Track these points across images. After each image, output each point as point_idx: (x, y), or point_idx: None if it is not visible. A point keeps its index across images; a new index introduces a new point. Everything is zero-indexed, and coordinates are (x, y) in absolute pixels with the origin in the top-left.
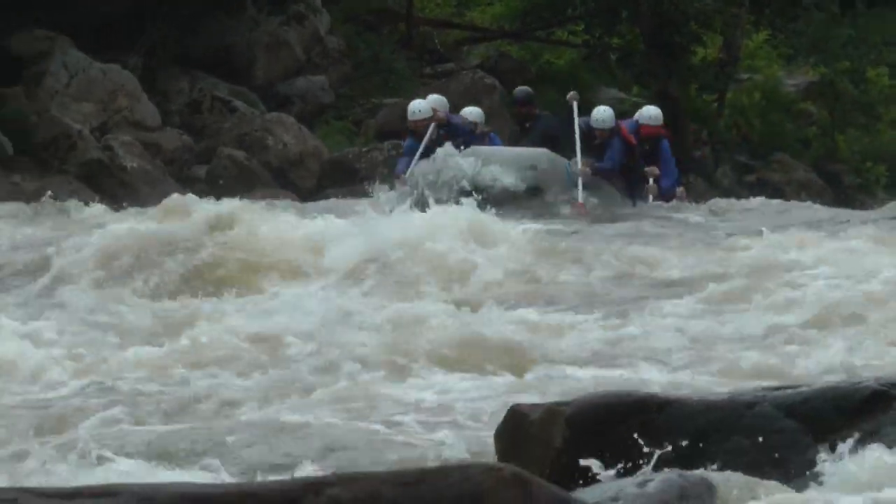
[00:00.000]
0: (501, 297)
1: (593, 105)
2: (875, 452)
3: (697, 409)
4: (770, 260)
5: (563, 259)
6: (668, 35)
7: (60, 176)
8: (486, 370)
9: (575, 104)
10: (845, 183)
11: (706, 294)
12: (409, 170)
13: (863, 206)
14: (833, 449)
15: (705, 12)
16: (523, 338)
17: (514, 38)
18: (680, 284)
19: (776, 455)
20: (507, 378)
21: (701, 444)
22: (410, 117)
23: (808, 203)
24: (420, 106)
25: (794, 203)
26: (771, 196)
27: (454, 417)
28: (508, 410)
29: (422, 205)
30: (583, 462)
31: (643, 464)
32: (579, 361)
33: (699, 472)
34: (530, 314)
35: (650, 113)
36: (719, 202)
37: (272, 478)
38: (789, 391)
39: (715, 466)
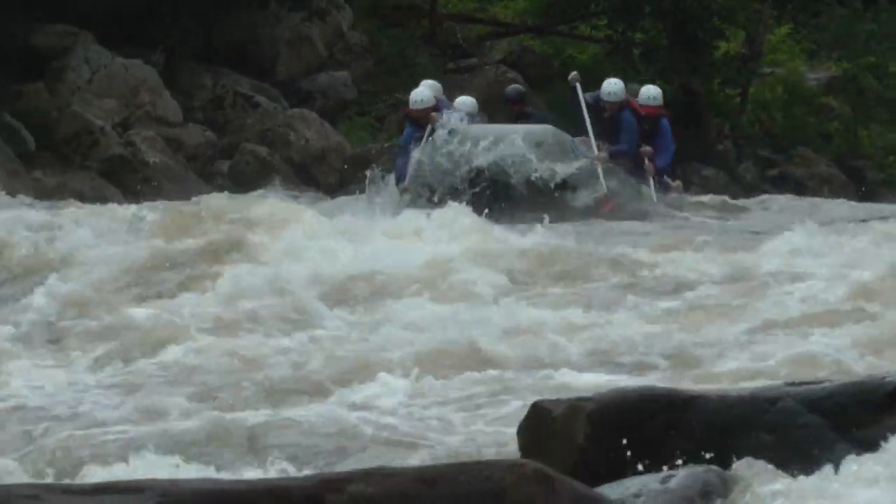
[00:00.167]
0: (520, 296)
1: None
2: None
3: (720, 405)
4: (790, 259)
5: (580, 259)
6: (691, 30)
7: (82, 172)
8: (507, 367)
9: (578, 85)
10: (868, 178)
11: (724, 293)
12: (409, 175)
13: (886, 201)
14: (857, 444)
15: (728, 7)
16: (543, 336)
17: (536, 33)
18: (698, 284)
19: (799, 450)
20: (528, 375)
21: (724, 440)
22: (413, 106)
23: (842, 200)
24: (423, 95)
25: (819, 200)
26: (793, 190)
27: (476, 414)
28: (531, 407)
29: (429, 195)
30: (605, 458)
31: (666, 459)
32: (599, 359)
33: (722, 467)
34: (550, 313)
35: (651, 93)
36: (735, 201)
37: (294, 474)
38: (813, 386)
39: (738, 462)
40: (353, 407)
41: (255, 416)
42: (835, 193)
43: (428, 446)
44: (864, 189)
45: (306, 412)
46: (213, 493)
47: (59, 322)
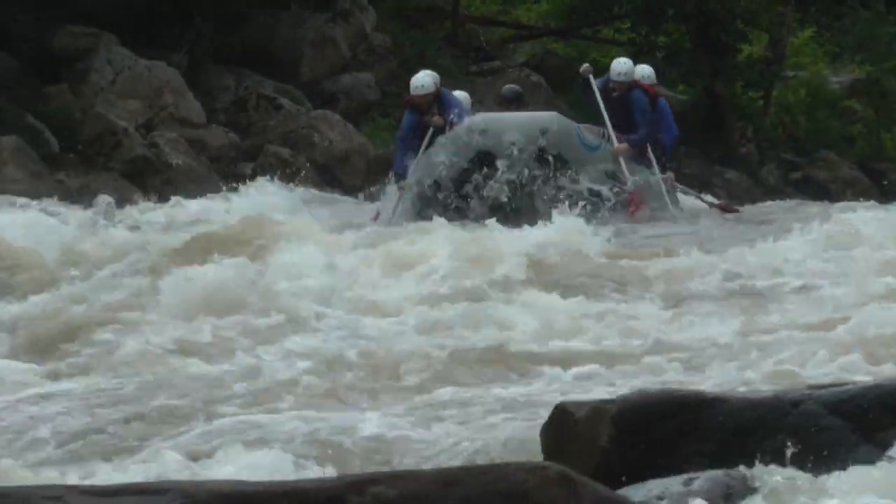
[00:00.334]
0: (539, 297)
1: None
2: None
3: (743, 408)
4: (811, 261)
5: (598, 260)
6: (714, 33)
7: (105, 173)
8: (528, 369)
9: (591, 77)
10: (891, 181)
11: (744, 294)
12: (411, 173)
13: None
14: (879, 447)
15: (751, 10)
16: (564, 337)
17: (560, 36)
18: (719, 286)
19: (822, 453)
20: (549, 377)
21: (746, 443)
22: (414, 92)
23: (872, 202)
24: (423, 81)
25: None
26: (816, 194)
27: (498, 415)
28: (554, 409)
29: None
30: (628, 460)
31: (688, 462)
32: (622, 360)
33: (744, 470)
34: (570, 314)
35: (645, 72)
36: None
37: (315, 476)
38: (835, 389)
39: (760, 464)
40: (375, 409)
41: (275, 419)
42: (857, 196)
43: (449, 448)
44: (885, 186)
45: (327, 415)
46: (234, 495)
47: (81, 324)
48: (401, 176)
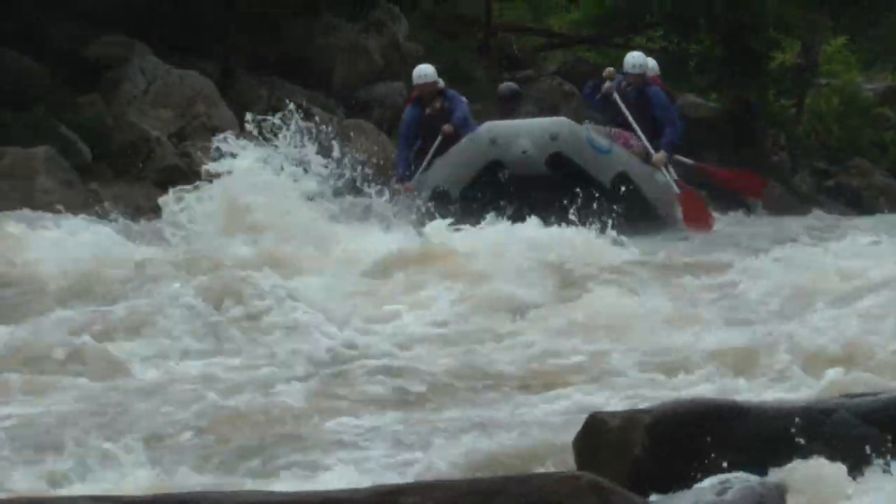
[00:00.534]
0: (570, 305)
1: None
2: None
3: (776, 416)
4: (848, 266)
5: (632, 265)
6: (746, 41)
7: (138, 182)
8: (560, 380)
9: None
10: None
11: (774, 301)
12: (417, 176)
13: None
14: None
15: (782, 17)
16: (597, 345)
17: (591, 44)
18: (750, 291)
19: (855, 462)
20: (583, 387)
21: (779, 452)
22: (417, 81)
23: None
24: (427, 70)
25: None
26: (848, 201)
27: (532, 425)
28: (587, 418)
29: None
30: (660, 469)
31: (721, 470)
32: (653, 370)
33: (777, 479)
34: (599, 324)
35: (650, 64)
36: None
37: (347, 484)
38: (868, 398)
39: (793, 474)
40: (407, 420)
41: (307, 428)
42: (891, 204)
43: (482, 458)
44: None
45: (359, 424)
46: None
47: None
48: (405, 176)
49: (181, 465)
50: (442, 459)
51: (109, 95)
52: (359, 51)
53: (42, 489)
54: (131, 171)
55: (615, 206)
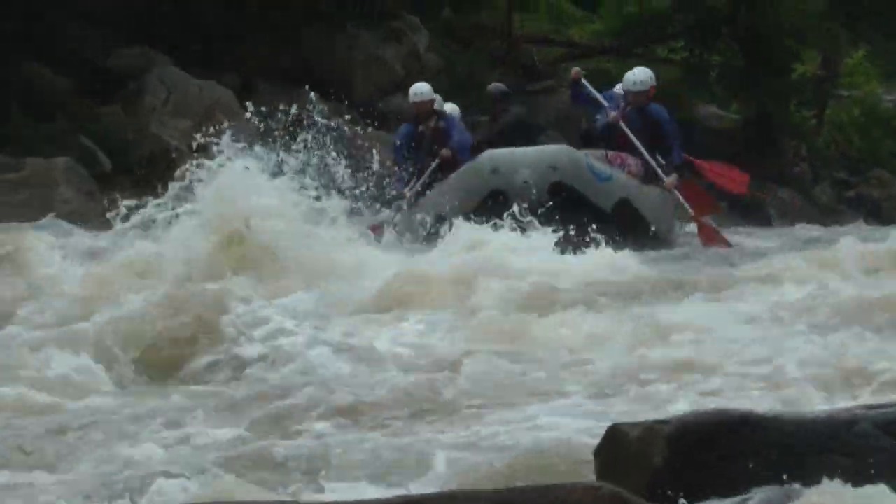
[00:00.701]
0: (591, 316)
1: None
2: None
3: (796, 428)
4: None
5: (649, 280)
6: (766, 52)
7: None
8: (579, 390)
9: (586, 83)
10: None
11: (795, 311)
12: (411, 194)
13: None
14: None
15: (799, 27)
16: (617, 355)
17: (612, 55)
18: (770, 302)
19: (877, 474)
20: (604, 398)
21: (800, 463)
22: (413, 99)
23: None
24: (422, 88)
25: None
26: (869, 212)
27: (552, 436)
28: (608, 429)
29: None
30: (681, 480)
31: (742, 482)
32: (673, 380)
33: (798, 490)
34: (618, 334)
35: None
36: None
37: (369, 495)
38: (890, 409)
39: (814, 486)
40: (429, 429)
41: (328, 439)
42: None
43: (503, 469)
44: None
45: (379, 434)
46: None
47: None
48: (400, 194)
49: (201, 473)
50: (463, 471)
51: (130, 106)
52: (378, 61)
53: None
54: (152, 181)
55: (617, 233)
